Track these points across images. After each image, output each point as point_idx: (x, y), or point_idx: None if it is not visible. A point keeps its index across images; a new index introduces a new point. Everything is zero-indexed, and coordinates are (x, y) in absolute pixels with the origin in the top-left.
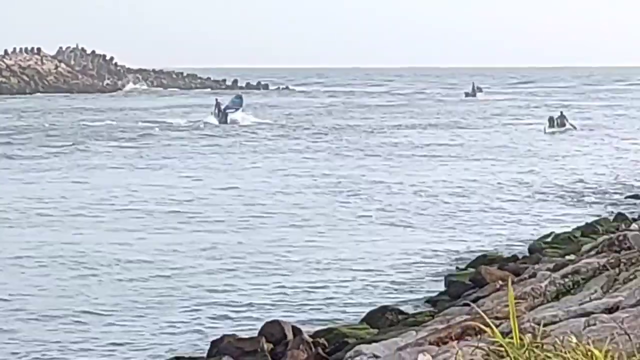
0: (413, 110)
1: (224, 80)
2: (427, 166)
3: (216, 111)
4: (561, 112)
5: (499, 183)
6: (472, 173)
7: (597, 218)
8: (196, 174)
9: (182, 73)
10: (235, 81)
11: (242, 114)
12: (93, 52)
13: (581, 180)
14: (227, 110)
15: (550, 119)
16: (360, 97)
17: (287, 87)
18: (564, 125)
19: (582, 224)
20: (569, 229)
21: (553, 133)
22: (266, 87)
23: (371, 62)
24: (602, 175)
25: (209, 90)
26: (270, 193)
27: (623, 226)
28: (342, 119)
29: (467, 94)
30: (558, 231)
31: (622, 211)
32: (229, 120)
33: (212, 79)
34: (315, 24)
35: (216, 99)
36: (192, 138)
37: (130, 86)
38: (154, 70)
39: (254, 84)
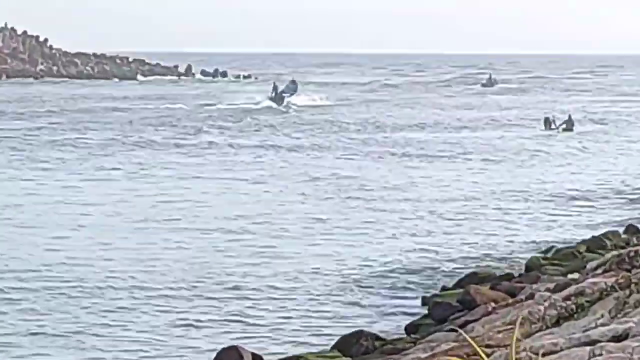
0: (416, 105)
1: (176, 67)
2: (422, 168)
3: (273, 94)
4: (569, 116)
5: (495, 188)
6: (469, 176)
7: (605, 231)
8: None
9: (127, 58)
10: (189, 68)
11: (297, 97)
12: (25, 32)
13: (586, 186)
14: (283, 94)
15: (547, 120)
16: (363, 86)
17: (249, 75)
18: (570, 129)
19: (588, 236)
20: (573, 243)
21: (549, 137)
22: (224, 74)
23: (363, 47)
24: (608, 179)
25: (157, 77)
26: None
27: (635, 240)
28: (339, 114)
29: (483, 85)
30: (560, 245)
31: (634, 222)
32: (285, 102)
33: (161, 65)
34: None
35: (274, 83)
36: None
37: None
38: (94, 55)
39: (211, 71)
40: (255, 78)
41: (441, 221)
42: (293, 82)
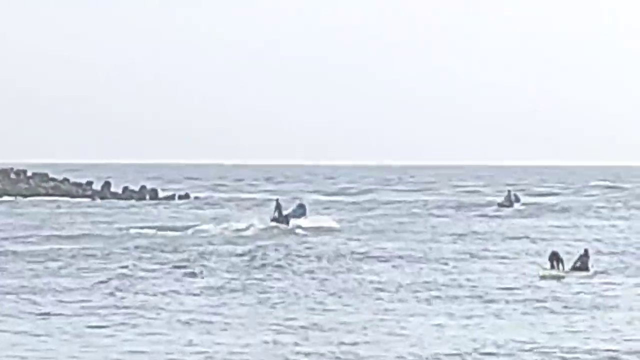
0: (418, 231)
1: (90, 184)
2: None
3: (276, 214)
4: (586, 250)
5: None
6: (453, 330)
7: None
8: None
9: (24, 171)
10: (107, 184)
11: (304, 220)
12: None
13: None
14: (290, 217)
15: (553, 256)
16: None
17: (186, 195)
18: (585, 268)
19: None
20: None
21: (557, 278)
22: (154, 194)
23: (326, 158)
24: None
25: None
26: None
27: None
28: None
29: (500, 205)
30: None
31: None
32: (290, 225)
33: (70, 181)
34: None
35: (277, 200)
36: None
37: None
38: None
39: (136, 189)
40: (196, 198)
41: None
42: (301, 206)
